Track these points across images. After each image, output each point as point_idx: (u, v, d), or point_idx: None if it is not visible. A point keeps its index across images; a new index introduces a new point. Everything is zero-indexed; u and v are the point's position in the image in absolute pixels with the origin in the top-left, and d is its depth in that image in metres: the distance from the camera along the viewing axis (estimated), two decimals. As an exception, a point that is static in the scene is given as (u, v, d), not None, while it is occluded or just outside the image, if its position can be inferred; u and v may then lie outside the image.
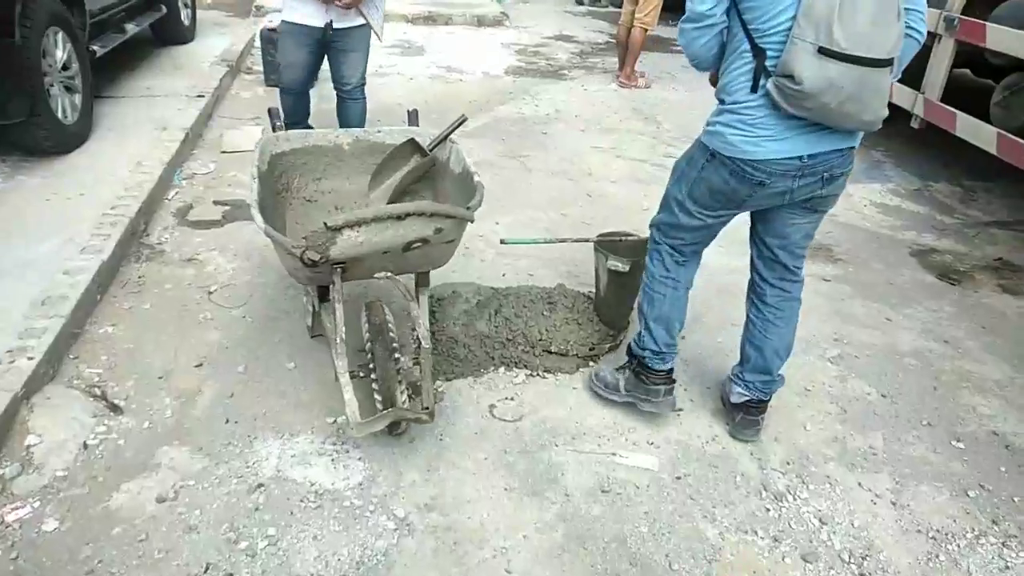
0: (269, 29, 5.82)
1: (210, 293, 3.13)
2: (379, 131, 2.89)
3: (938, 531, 2.12)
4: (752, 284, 2.40)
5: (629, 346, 2.49)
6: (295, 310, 3.03)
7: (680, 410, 2.56)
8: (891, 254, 3.79)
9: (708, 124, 2.09)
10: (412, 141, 2.76)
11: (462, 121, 2.79)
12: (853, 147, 2.04)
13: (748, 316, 2.42)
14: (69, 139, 4.13)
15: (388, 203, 2.81)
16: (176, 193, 4.04)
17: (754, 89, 1.94)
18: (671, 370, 2.42)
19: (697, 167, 2.13)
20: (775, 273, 2.31)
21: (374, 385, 2.19)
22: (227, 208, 3.90)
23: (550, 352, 2.78)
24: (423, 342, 2.27)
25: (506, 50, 7.98)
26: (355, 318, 2.60)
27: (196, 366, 2.68)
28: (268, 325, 2.93)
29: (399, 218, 2.00)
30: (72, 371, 2.59)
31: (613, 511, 2.14)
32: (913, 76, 4.44)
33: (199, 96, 5.29)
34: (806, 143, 1.95)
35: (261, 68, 6.13)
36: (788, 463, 2.35)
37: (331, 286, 2.19)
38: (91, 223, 3.35)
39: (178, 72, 5.91)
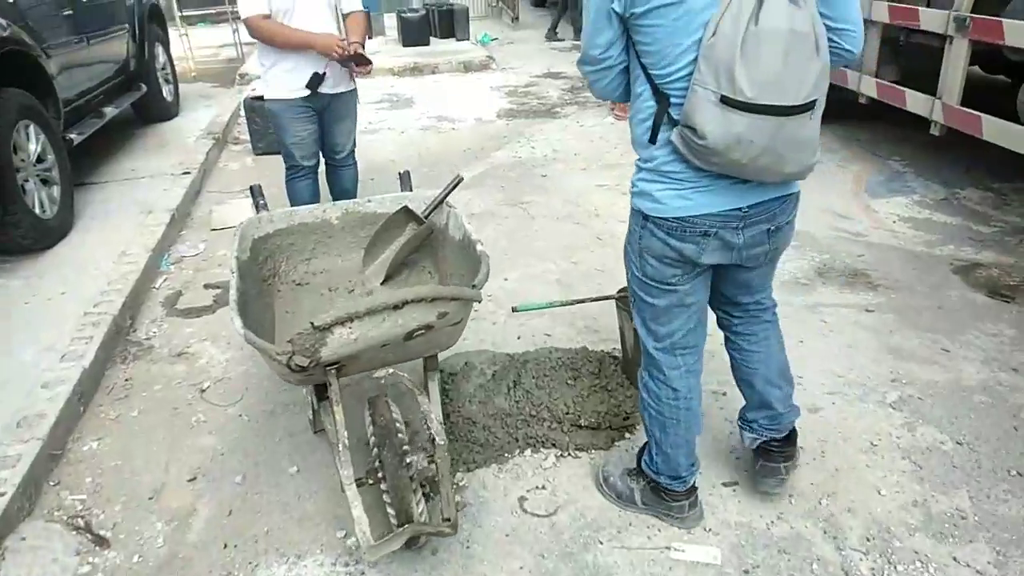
0: (253, 98, 5.68)
1: (203, 391, 2.88)
2: (369, 201, 2.66)
3: (1059, 612, 1.81)
4: (719, 322, 2.14)
5: (640, 460, 2.15)
6: (294, 402, 2.76)
7: (735, 484, 2.26)
8: (933, 274, 3.51)
9: (633, 185, 1.83)
10: (406, 209, 2.52)
11: (458, 182, 2.56)
12: (796, 192, 1.80)
13: (729, 355, 2.16)
14: (49, 233, 3.93)
15: (385, 279, 2.57)
16: (164, 280, 3.81)
17: (652, 140, 1.70)
18: (695, 485, 2.10)
19: (636, 239, 1.85)
20: (739, 308, 2.07)
21: (386, 497, 1.91)
22: (218, 291, 3.67)
23: (579, 427, 2.50)
24: (437, 438, 1.99)
25: (496, 93, 7.84)
26: (358, 415, 2.33)
27: (189, 480, 2.41)
28: (266, 423, 2.67)
29: (396, 308, 1.74)
30: (52, 501, 2.33)
31: (676, 622, 1.84)
32: (925, 81, 4.21)
33: (185, 173, 5.12)
34: (737, 192, 1.69)
35: (247, 137, 5.97)
36: (868, 539, 2.05)
37: (328, 386, 1.93)
38: (72, 325, 3.11)
39: (163, 150, 5.76)
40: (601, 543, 2.08)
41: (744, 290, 2.03)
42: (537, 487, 2.29)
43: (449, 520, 1.87)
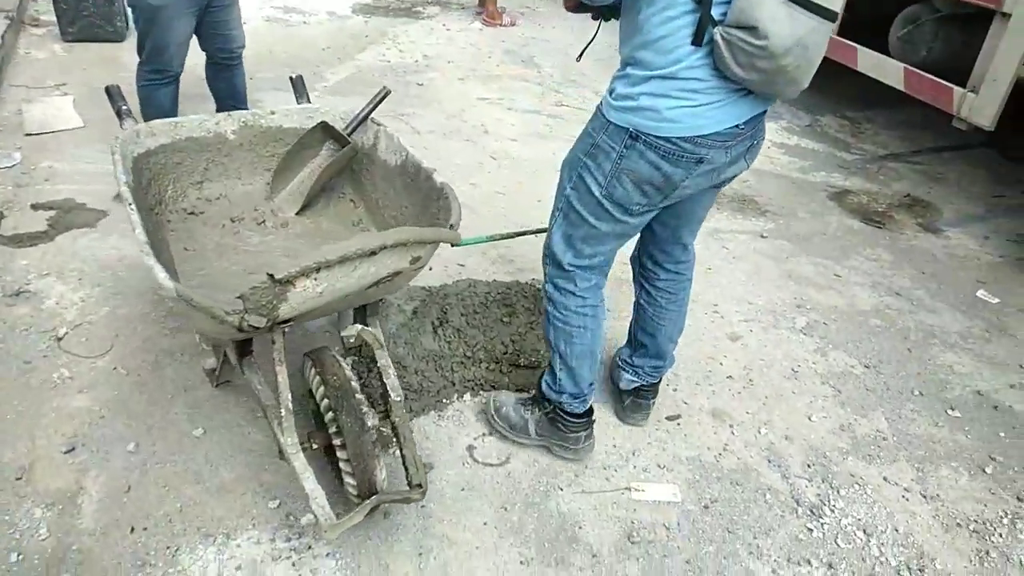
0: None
1: (59, 339, 2.39)
2: (273, 112, 2.26)
3: (975, 521, 2.02)
4: (642, 268, 2.11)
5: (540, 386, 2.08)
6: (181, 349, 2.38)
7: (678, 417, 2.28)
8: (812, 200, 3.71)
9: (623, 98, 1.63)
10: (324, 125, 2.17)
11: (385, 95, 2.23)
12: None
13: (638, 302, 2.15)
14: None
15: (302, 209, 2.22)
16: (-25, 199, 3.10)
17: (697, 42, 1.51)
18: (591, 409, 2.08)
19: (611, 157, 1.67)
20: (670, 256, 2.04)
21: (345, 467, 1.69)
22: (53, 213, 3.05)
23: (519, 366, 2.38)
24: (393, 394, 1.79)
25: (347, -16, 7.10)
26: (296, 374, 2.04)
27: (66, 452, 2.01)
28: (150, 376, 2.28)
29: (371, 254, 1.47)
30: None
31: (652, 565, 1.83)
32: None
33: (-23, 61, 4.14)
34: (740, 107, 1.61)
35: (53, 18, 4.94)
36: (809, 465, 2.15)
37: (272, 344, 1.64)
38: None
39: (-61, 30, 4.62)
40: (561, 489, 2.01)
41: (687, 220, 1.95)
42: (485, 434, 2.16)
43: (420, 485, 1.69)
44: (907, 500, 2.06)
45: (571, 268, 1.88)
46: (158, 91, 3.01)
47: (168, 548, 1.78)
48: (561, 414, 2.02)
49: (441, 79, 4.91)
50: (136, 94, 3.10)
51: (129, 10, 2.97)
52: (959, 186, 3.99)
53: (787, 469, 2.13)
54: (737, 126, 1.62)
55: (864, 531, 1.96)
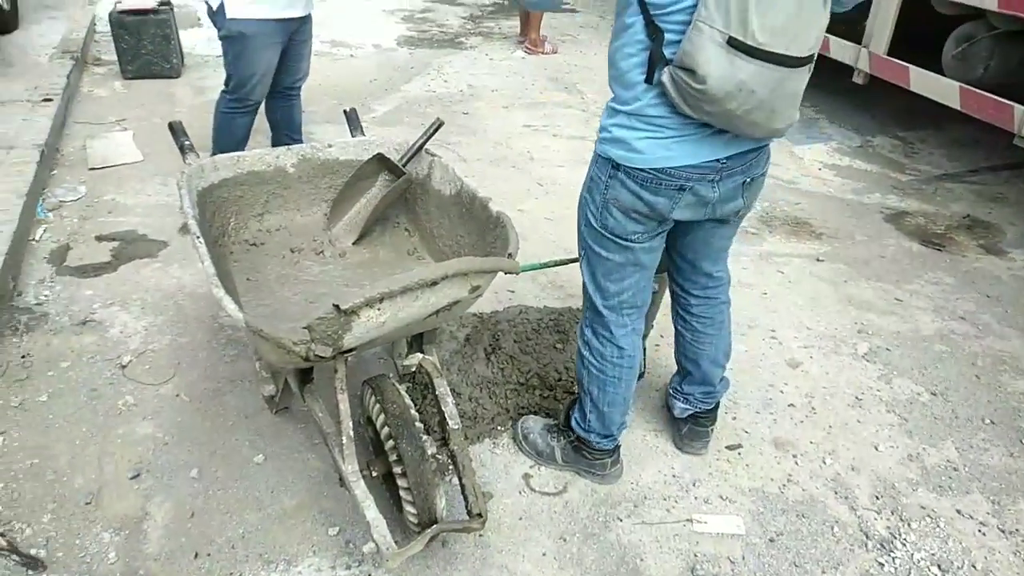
0: (123, 11, 4.89)
1: (123, 367, 2.46)
2: (330, 146, 2.30)
3: (1059, 558, 1.92)
4: (674, 296, 2.09)
5: (568, 418, 2.08)
6: (241, 376, 2.42)
7: (739, 447, 2.23)
8: (867, 222, 3.63)
9: (603, 130, 1.67)
10: (380, 157, 2.21)
11: (438, 126, 2.27)
12: (769, 144, 1.72)
13: (676, 329, 2.12)
14: None
15: (359, 239, 2.26)
16: (44, 231, 3.22)
17: (649, 80, 1.53)
18: (619, 445, 2.07)
19: (600, 188, 1.70)
20: (697, 283, 2.00)
21: (405, 495, 1.69)
22: (116, 244, 3.15)
23: (573, 393, 2.35)
24: (451, 422, 1.79)
25: (391, 17, 7.27)
26: (354, 401, 2.06)
27: (132, 478, 2.05)
28: (211, 403, 2.32)
29: (432, 284, 1.48)
30: (-43, 517, 1.90)
31: (716, 600, 1.78)
32: (850, 28, 4.28)
33: (46, 100, 4.34)
34: (716, 143, 1.59)
35: (114, 58, 5.16)
36: (877, 497, 2.08)
37: (334, 372, 1.66)
38: (-60, 292, 2.55)
39: (9, 71, 4.86)
40: (620, 520, 1.98)
41: (705, 253, 1.93)
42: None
43: (480, 515, 1.68)
44: (983, 535, 1.98)
45: (604, 311, 1.88)
46: (236, 120, 3.13)
47: (231, 574, 1.80)
48: (587, 446, 2.02)
49: (486, 108, 4.97)
50: (212, 120, 3.23)
51: (219, 42, 3.08)
52: (1020, 205, 3.87)
53: (855, 501, 2.06)
54: (718, 160, 1.60)
55: (939, 567, 1.88)
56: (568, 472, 2.10)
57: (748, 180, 1.69)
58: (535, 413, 2.30)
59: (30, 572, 1.78)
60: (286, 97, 3.30)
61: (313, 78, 5.36)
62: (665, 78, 1.48)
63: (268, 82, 3.07)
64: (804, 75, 1.49)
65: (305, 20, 3.09)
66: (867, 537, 1.95)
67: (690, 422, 2.17)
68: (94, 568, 1.80)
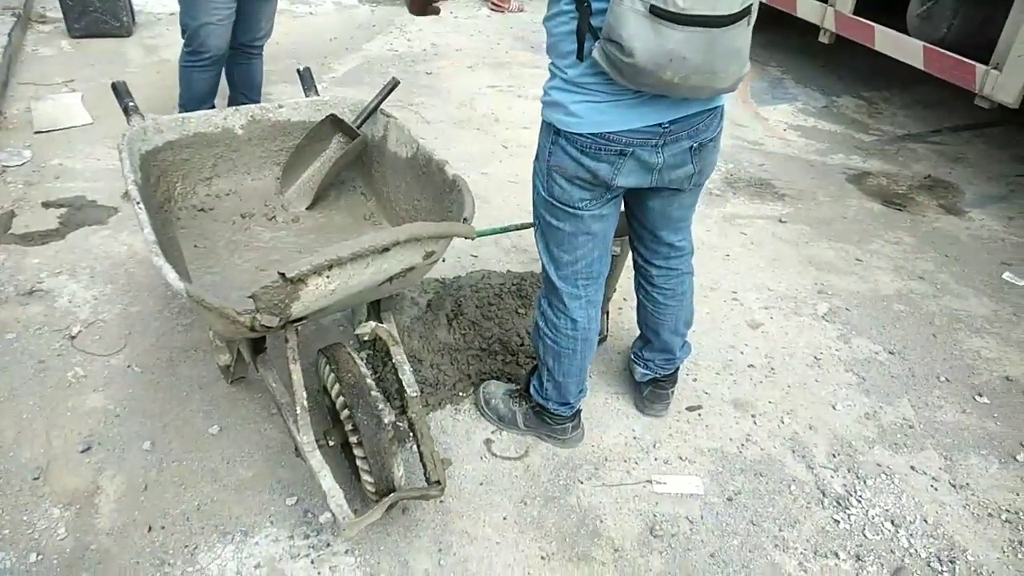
0: (65, -35, 4.65)
1: (72, 337, 2.38)
2: (281, 106, 2.22)
3: (1007, 511, 1.97)
4: (636, 265, 2.06)
5: (528, 384, 2.07)
6: (195, 346, 2.36)
7: (699, 408, 2.24)
8: (830, 183, 3.64)
9: (544, 93, 1.62)
10: (333, 118, 2.13)
11: (393, 86, 2.19)
12: (720, 106, 1.67)
13: (638, 298, 2.10)
14: None
15: (313, 204, 2.19)
16: (-13, 198, 3.09)
17: (579, 56, 1.48)
18: (579, 409, 2.07)
19: (546, 155, 1.66)
20: (659, 253, 1.97)
21: (362, 464, 1.66)
22: (64, 211, 3.04)
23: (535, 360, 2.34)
24: (409, 390, 1.76)
25: (352, -27, 7.04)
26: (310, 370, 2.02)
27: (83, 451, 2.00)
28: (165, 374, 2.26)
29: (384, 250, 1.44)
30: None
31: (675, 559, 1.80)
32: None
33: (-15, 59, 4.13)
34: (662, 109, 1.54)
35: (60, 15, 4.92)
36: (834, 455, 2.11)
37: (285, 342, 1.61)
38: None
39: (-54, 28, 4.60)
40: (581, 482, 1.98)
41: (664, 222, 1.88)
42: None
43: (439, 482, 1.67)
44: (936, 490, 2.02)
45: (558, 283, 1.84)
46: (194, 74, 3.04)
47: (186, 547, 1.77)
48: (547, 412, 2.02)
49: (450, 68, 4.86)
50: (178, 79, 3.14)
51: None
52: (980, 166, 3.90)
53: (812, 459, 2.09)
54: (660, 125, 1.55)
55: (892, 522, 1.92)
56: (530, 436, 2.10)
57: (695, 145, 1.62)
58: (497, 378, 2.28)
59: (-25, 550, 1.73)
60: (245, 55, 3.21)
61: (271, 36, 5.22)
62: (596, 53, 1.42)
63: (222, 34, 2.97)
64: (740, 30, 1.40)
65: None
66: (823, 495, 1.98)
67: (651, 385, 2.18)
68: (43, 544, 1.75)
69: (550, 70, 1.60)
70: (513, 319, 2.43)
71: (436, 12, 1.91)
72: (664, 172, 1.63)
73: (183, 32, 3.05)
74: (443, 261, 2.81)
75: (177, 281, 1.39)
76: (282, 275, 1.35)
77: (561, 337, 1.89)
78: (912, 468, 2.08)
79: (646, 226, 1.90)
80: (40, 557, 1.73)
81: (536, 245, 1.88)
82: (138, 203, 1.62)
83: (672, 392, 2.19)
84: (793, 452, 2.11)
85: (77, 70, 4.41)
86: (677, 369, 2.18)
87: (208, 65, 3.04)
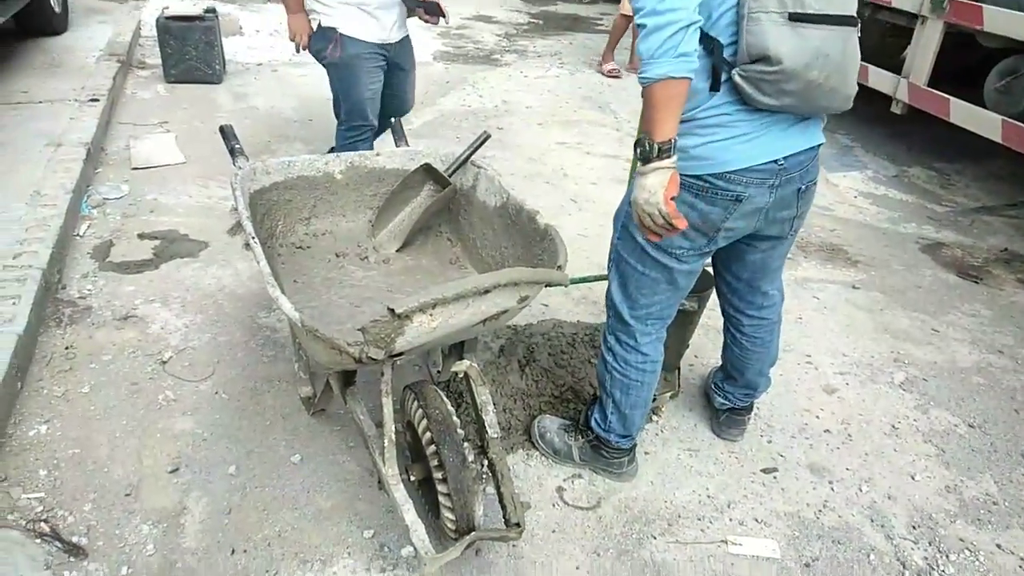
0: (169, 16, 5.01)
1: (164, 363, 2.50)
2: (378, 154, 2.34)
3: (1102, 598, 1.89)
4: (725, 313, 2.13)
5: (587, 419, 2.11)
6: (278, 377, 2.45)
7: (775, 471, 2.21)
8: (903, 252, 3.61)
9: None
10: (427, 167, 2.24)
11: (485, 139, 2.29)
12: (822, 144, 1.74)
13: (725, 340, 2.19)
14: (-64, 165, 3.28)
15: (402, 246, 2.29)
16: (88, 227, 3.29)
17: (715, 88, 1.56)
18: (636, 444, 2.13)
19: None
20: (752, 303, 2.04)
21: (444, 501, 1.70)
22: (157, 243, 3.21)
23: (607, 408, 2.36)
24: (490, 431, 1.80)
25: (427, 32, 7.36)
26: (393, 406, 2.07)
27: (171, 471, 2.08)
28: (250, 401, 2.35)
29: (485, 292, 1.50)
30: (2, 501, 1.94)
31: (751, 623, 1.77)
32: (890, 59, 4.29)
33: (92, 100, 4.44)
34: (778, 140, 1.61)
35: (159, 62, 5.27)
36: (914, 527, 2.06)
37: (381, 375, 1.68)
38: (-10, 281, 2.60)
39: (58, 70, 4.99)
40: (654, 537, 1.97)
41: (763, 273, 1.97)
42: (574, 476, 2.14)
43: (518, 524, 1.69)
44: (1024, 570, 1.95)
45: (631, 321, 1.91)
46: (357, 147, 3.12)
47: (267, 572, 1.81)
48: (606, 445, 2.06)
49: (520, 124, 5.01)
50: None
51: (325, 73, 3.16)
52: (1059, 242, 3.83)
53: (891, 530, 2.04)
54: (776, 162, 1.62)
55: (979, 601, 1.85)
56: (600, 487, 2.10)
57: (803, 187, 1.71)
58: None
59: (71, 559, 1.80)
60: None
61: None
62: (737, 78, 1.51)
63: (377, 105, 3.10)
64: (855, 33, 1.56)
65: (403, 45, 3.09)
66: (904, 567, 1.93)
67: (728, 412, 2.27)
68: (133, 559, 1.82)
69: None
70: (586, 368, 2.46)
71: None
72: (770, 212, 1.70)
73: (339, 111, 3.17)
74: (515, 309, 2.87)
75: (292, 311, 1.47)
76: (391, 310, 1.42)
77: (631, 370, 1.94)
78: (998, 546, 2.01)
79: (742, 278, 1.97)
80: (130, 571, 1.79)
81: (610, 284, 1.94)
82: (253, 238, 1.73)
83: (748, 419, 2.29)
84: (872, 521, 2.07)
85: (172, 112, 4.70)
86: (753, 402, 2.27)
87: (369, 137, 3.16)
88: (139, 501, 1.98)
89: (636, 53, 6.14)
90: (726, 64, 1.53)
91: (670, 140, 1.47)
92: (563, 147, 4.66)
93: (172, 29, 5.00)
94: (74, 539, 1.85)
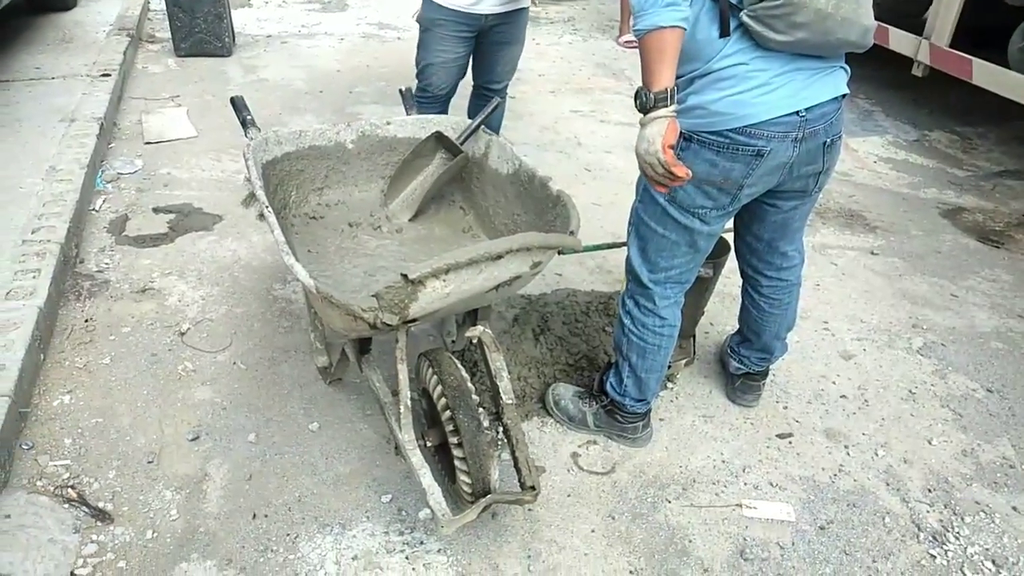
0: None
1: (182, 334, 2.53)
2: (389, 123, 2.33)
3: (1119, 559, 1.88)
4: (743, 273, 2.12)
5: (602, 384, 2.12)
6: (295, 347, 2.48)
7: (790, 436, 2.21)
8: (923, 217, 3.56)
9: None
10: (438, 135, 2.22)
11: (496, 106, 2.28)
12: (846, 95, 1.70)
13: (743, 302, 2.18)
14: (-47, 141, 3.30)
15: (415, 215, 2.28)
16: (104, 201, 3.31)
17: (725, 34, 1.55)
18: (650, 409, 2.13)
19: None
20: (772, 264, 2.02)
21: (460, 465, 1.71)
22: (172, 217, 3.23)
23: (622, 375, 2.36)
24: (505, 397, 1.81)
25: (438, 2, 7.28)
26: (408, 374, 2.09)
27: (192, 439, 2.12)
28: (268, 371, 2.38)
29: (497, 258, 1.50)
30: (30, 468, 1.98)
31: (766, 584, 1.78)
32: (911, 20, 4.19)
33: (104, 75, 4.45)
34: (800, 90, 1.59)
35: (168, 35, 5.26)
36: (930, 490, 2.05)
37: (395, 342, 1.69)
38: (10, 255, 2.64)
39: (69, 46, 4.99)
40: (669, 502, 1.99)
41: (783, 232, 1.95)
42: (589, 442, 2.16)
43: (533, 487, 1.71)
44: (1041, 533, 1.95)
45: (650, 285, 1.90)
46: (420, 108, 3.00)
47: (288, 535, 1.85)
48: (621, 410, 2.07)
49: (532, 92, 4.96)
50: None
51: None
52: (1083, 205, 3.76)
53: (907, 493, 2.04)
54: (797, 113, 1.59)
55: (993, 561, 1.85)
56: (615, 452, 2.11)
57: (828, 141, 1.68)
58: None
59: (98, 523, 1.85)
60: (480, 96, 3.20)
61: (361, 60, 5.46)
62: (746, 19, 1.50)
63: (445, 76, 3.00)
64: None
65: (503, 19, 2.92)
66: (919, 529, 1.93)
67: (743, 377, 2.26)
68: (157, 523, 1.86)
69: (679, 82, 1.62)
70: (600, 336, 2.46)
71: None
72: (794, 168, 1.68)
73: (416, 71, 3.12)
74: (529, 278, 2.87)
75: (308, 279, 1.48)
76: (404, 276, 1.43)
77: (648, 334, 1.94)
78: (1014, 508, 2.01)
79: (762, 238, 1.95)
80: (155, 535, 1.83)
81: (628, 248, 1.93)
82: (267, 207, 1.74)
83: (763, 384, 2.27)
84: (887, 485, 2.07)
85: (182, 86, 4.70)
86: (768, 367, 2.26)
87: (430, 101, 3.08)
88: (161, 468, 2.02)
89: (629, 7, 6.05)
90: (734, 9, 1.51)
91: (666, 89, 1.47)
92: (577, 115, 4.61)
93: (181, 2, 4.98)
94: (100, 504, 1.89)
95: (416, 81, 3.11)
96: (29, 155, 3.39)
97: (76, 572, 1.72)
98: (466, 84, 3.25)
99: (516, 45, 3.08)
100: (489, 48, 3.03)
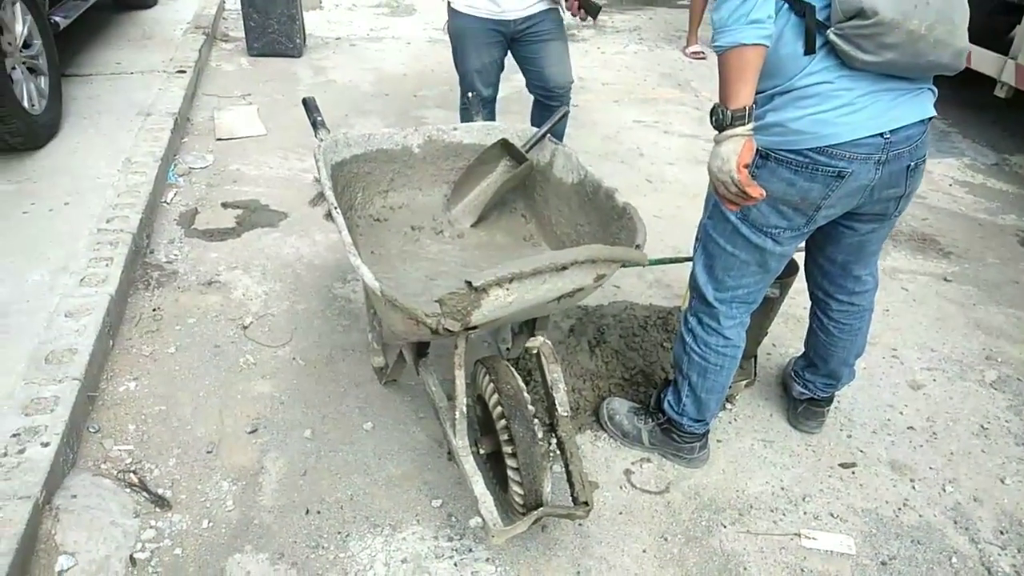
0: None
1: (244, 327, 2.58)
2: (455, 129, 2.34)
3: None
4: (813, 296, 2.04)
5: (660, 401, 2.07)
6: (352, 346, 2.50)
7: (853, 466, 2.13)
8: (1000, 245, 3.40)
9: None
10: (504, 142, 2.22)
11: (564, 115, 2.26)
12: (933, 117, 1.61)
13: (811, 326, 2.10)
14: (39, 132, 3.46)
15: (477, 222, 2.29)
16: (175, 194, 3.42)
17: (810, 51, 1.48)
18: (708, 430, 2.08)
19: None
20: (844, 288, 1.95)
21: (513, 475, 1.70)
22: (240, 212, 3.31)
23: (679, 392, 2.32)
24: (560, 409, 1.79)
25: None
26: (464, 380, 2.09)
27: (250, 432, 2.16)
28: (325, 369, 2.41)
29: (562, 269, 1.49)
30: (96, 451, 2.05)
31: (823, 619, 1.72)
32: (995, 39, 4.02)
33: (179, 72, 4.60)
34: (885, 111, 1.51)
35: (242, 35, 5.41)
36: (1002, 532, 1.95)
37: (454, 348, 1.69)
38: (86, 242, 2.74)
39: (149, 43, 5.17)
40: (724, 526, 1.93)
41: (858, 255, 1.88)
42: (643, 459, 2.12)
43: (586, 503, 1.68)
44: (1124, 587, 1.83)
45: (716, 304, 1.85)
46: (464, 114, 3.11)
47: (339, 533, 1.86)
48: (678, 429, 2.03)
49: (596, 101, 4.93)
50: None
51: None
52: None
53: (976, 533, 1.95)
54: (882, 135, 1.53)
55: (1071, 614, 1.75)
56: (669, 472, 2.07)
57: (912, 164, 1.61)
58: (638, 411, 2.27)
59: (157, 509, 1.89)
60: (542, 106, 3.17)
61: (426, 64, 5.51)
62: (833, 37, 1.45)
63: (489, 78, 3.03)
64: None
65: (531, 20, 2.90)
66: (989, 572, 1.84)
67: (806, 403, 2.20)
68: (213, 513, 1.90)
69: (758, 98, 1.57)
70: (658, 352, 2.42)
71: None
72: (875, 190, 1.62)
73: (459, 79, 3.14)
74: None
75: (373, 281, 1.49)
76: (468, 283, 1.42)
77: (711, 353, 1.90)
78: (1096, 559, 1.89)
79: (836, 260, 1.89)
80: (210, 524, 1.87)
81: (693, 265, 1.89)
82: (335, 208, 1.76)
83: (827, 411, 2.21)
84: (955, 523, 1.97)
85: (254, 85, 4.82)
86: (833, 394, 2.19)
87: (481, 110, 3.09)
88: (220, 459, 2.06)
89: (711, 23, 5.89)
90: (821, 26, 1.46)
91: (744, 108, 1.44)
92: (640, 125, 4.57)
93: (255, 3, 5.11)
94: (160, 491, 1.94)
95: (460, 87, 3.14)
96: (108, 146, 3.53)
97: (136, 556, 1.77)
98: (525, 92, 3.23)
99: (555, 41, 3.02)
100: (529, 51, 3.00)
